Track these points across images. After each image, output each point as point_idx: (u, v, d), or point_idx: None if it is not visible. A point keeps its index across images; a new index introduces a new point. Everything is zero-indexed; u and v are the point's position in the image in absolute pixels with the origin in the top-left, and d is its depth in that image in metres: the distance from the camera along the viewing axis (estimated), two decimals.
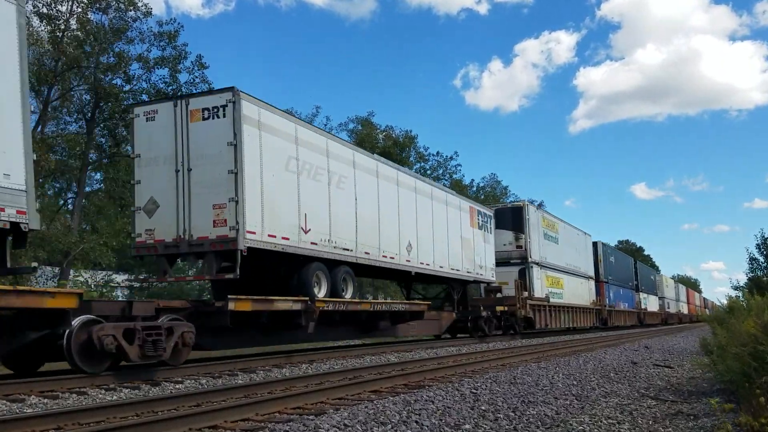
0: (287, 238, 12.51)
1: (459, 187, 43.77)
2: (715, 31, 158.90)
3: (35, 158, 22.33)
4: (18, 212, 8.49)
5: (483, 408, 7.00)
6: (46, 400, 7.54)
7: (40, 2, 24.20)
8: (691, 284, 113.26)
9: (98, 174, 30.69)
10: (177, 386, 8.95)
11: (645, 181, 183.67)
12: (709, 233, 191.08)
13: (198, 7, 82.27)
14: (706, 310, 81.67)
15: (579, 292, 33.10)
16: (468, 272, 21.62)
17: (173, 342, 9.96)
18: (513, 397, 7.81)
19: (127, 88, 26.81)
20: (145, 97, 25.76)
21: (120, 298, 26.38)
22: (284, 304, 12.25)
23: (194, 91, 23.94)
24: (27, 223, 8.62)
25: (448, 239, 20.10)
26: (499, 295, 24.18)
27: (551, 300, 28.07)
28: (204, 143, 11.62)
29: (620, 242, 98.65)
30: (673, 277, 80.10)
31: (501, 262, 25.53)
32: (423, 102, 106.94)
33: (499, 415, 6.67)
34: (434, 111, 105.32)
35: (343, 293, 14.40)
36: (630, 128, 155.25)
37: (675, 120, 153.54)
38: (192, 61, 27.19)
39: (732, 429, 5.34)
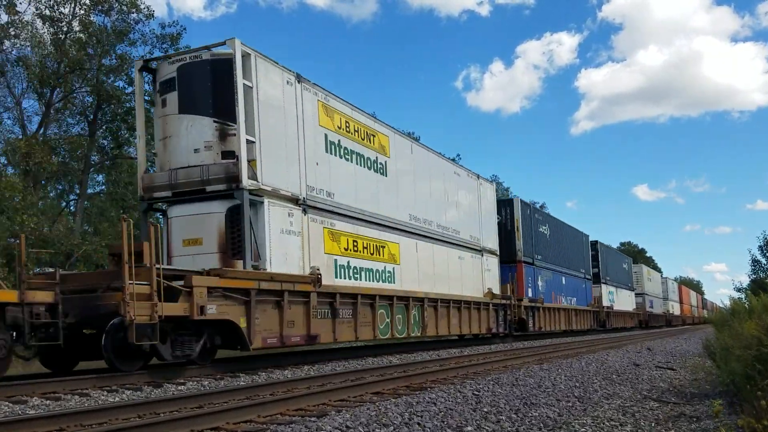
0: None
1: None
2: (716, 32, 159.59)
3: (38, 160, 22.50)
4: None
5: (485, 410, 6.99)
6: (48, 402, 7.55)
7: (42, 5, 24.29)
8: (694, 286, 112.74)
9: (100, 176, 30.79)
10: (179, 388, 8.95)
11: (647, 183, 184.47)
12: (711, 235, 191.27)
13: (200, 9, 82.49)
14: (704, 312, 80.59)
15: (453, 273, 19.52)
16: None
17: None
18: (515, 399, 7.80)
19: (130, 90, 26.85)
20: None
21: None
22: None
23: None
24: None
25: None
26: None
27: (341, 281, 13.89)
28: None
29: (622, 243, 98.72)
30: (675, 279, 77.95)
31: (184, 192, 11.78)
32: (424, 103, 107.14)
33: (501, 417, 6.66)
34: (436, 112, 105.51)
35: None
36: (632, 129, 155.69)
37: (677, 121, 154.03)
38: None
39: None
